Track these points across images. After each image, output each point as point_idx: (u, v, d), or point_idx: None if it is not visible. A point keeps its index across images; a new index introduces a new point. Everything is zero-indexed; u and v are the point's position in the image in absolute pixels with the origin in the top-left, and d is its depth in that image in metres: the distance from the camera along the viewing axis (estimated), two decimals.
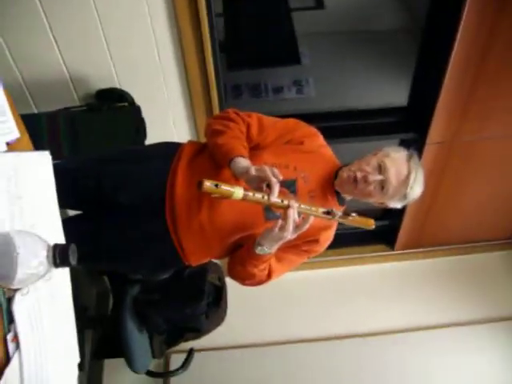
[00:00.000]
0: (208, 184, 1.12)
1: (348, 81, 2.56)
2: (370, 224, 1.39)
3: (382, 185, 1.40)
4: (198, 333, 2.41)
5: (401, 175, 1.40)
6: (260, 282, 1.51)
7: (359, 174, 1.41)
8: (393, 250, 3.31)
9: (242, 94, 2.56)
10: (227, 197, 1.17)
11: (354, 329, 3.03)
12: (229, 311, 2.49)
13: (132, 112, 2.13)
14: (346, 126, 2.57)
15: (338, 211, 1.32)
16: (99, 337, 2.39)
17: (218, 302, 2.39)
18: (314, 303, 3.12)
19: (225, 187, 1.15)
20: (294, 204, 1.24)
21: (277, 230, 1.27)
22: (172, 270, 1.73)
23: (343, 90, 2.59)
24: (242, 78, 2.55)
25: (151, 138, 2.09)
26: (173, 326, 2.35)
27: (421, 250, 3.31)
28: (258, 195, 1.20)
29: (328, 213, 1.31)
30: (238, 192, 1.17)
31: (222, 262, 2.68)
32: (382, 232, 3.28)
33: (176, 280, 2.17)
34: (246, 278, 1.49)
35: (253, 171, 1.24)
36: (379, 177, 1.39)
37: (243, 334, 2.98)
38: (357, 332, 3.01)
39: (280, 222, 1.26)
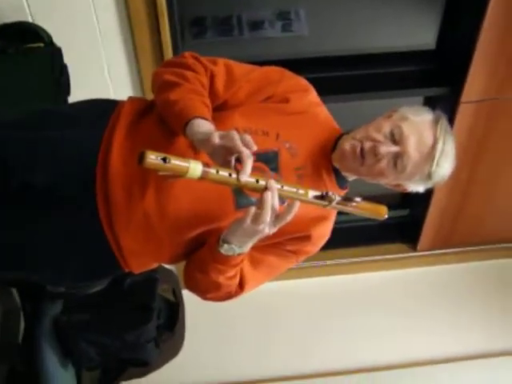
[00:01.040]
0: (152, 157, 1.10)
1: (354, 14, 2.57)
2: (382, 213, 1.41)
3: (398, 159, 1.42)
4: (145, 367, 2.43)
5: (424, 146, 1.41)
6: (228, 296, 1.51)
7: (367, 145, 1.43)
8: (415, 250, 3.37)
9: (205, 31, 2.55)
10: (180, 175, 1.16)
11: (362, 361, 3.10)
12: (187, 337, 2.52)
13: (50, 56, 2.10)
14: (350, 77, 2.59)
15: (336, 195, 1.32)
16: (6, 374, 2.39)
17: (171, 324, 2.41)
18: (305, 325, 3.17)
19: (176, 161, 1.13)
20: (274, 184, 1.23)
21: (249, 220, 1.26)
22: (106, 278, 1.74)
23: (347, 27, 2.61)
24: (205, 9, 2.54)
25: (76, 94, 2.06)
26: (109, 358, 2.36)
27: (453, 250, 3.37)
28: (224, 173, 1.20)
29: (322, 197, 1.31)
30: (195, 168, 1.15)
31: (177, 269, 2.71)
32: (400, 226, 3.35)
33: (113, 294, 2.18)
34: (208, 290, 1.49)
35: (216, 139, 1.22)
36: (394, 148, 1.41)
37: (207, 369, 3.01)
38: (365, 365, 3.09)
39: (253, 209, 1.25)
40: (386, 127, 1.44)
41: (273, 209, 1.23)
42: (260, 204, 1.24)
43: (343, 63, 2.61)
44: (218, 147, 1.23)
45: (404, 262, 3.40)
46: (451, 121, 1.59)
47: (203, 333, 2.86)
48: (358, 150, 1.43)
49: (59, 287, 2.22)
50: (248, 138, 1.22)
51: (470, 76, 2.49)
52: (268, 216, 1.23)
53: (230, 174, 1.20)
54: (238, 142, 1.20)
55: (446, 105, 2.57)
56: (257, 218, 1.25)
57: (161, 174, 1.16)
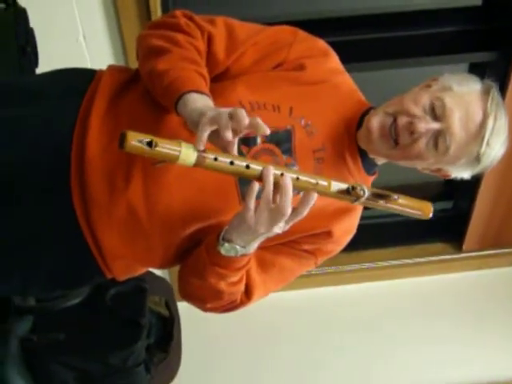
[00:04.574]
0: (136, 140, 1.10)
1: None
2: (426, 211, 1.40)
3: (439, 138, 1.41)
4: None
5: (471, 122, 1.40)
6: (233, 306, 1.52)
7: (401, 120, 1.42)
8: (460, 251, 3.34)
9: None
10: (170, 161, 1.16)
11: None
12: (185, 359, 2.51)
13: (13, 19, 2.11)
14: (378, 41, 2.56)
15: (366, 188, 1.31)
16: None
17: (165, 343, 2.39)
18: (321, 346, 3.17)
19: (165, 145, 1.13)
20: (287, 174, 1.22)
21: (251, 212, 1.25)
22: (85, 287, 1.75)
23: None
24: None
25: (45, 64, 2.07)
26: None
27: (505, 250, 3.34)
28: (224, 159, 1.19)
29: (348, 191, 1.30)
30: (188, 154, 1.15)
31: (170, 276, 2.73)
32: (442, 221, 3.31)
33: (93, 308, 2.16)
34: (207, 299, 1.49)
35: (207, 119, 1.19)
36: (434, 125, 1.40)
37: None
38: None
39: (256, 186, 1.23)
40: (425, 99, 1.43)
41: (286, 203, 1.21)
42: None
43: (370, 23, 2.58)
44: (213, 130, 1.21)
45: (446, 266, 3.36)
46: (502, 92, 1.58)
47: (206, 355, 2.84)
48: (388, 126, 1.43)
49: (28, 299, 2.20)
50: (242, 116, 1.18)
51: None
52: (270, 196, 1.21)
53: (232, 162, 1.19)
54: (227, 132, 1.18)
55: (495, 73, 2.51)
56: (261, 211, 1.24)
57: (147, 157, 1.16)
